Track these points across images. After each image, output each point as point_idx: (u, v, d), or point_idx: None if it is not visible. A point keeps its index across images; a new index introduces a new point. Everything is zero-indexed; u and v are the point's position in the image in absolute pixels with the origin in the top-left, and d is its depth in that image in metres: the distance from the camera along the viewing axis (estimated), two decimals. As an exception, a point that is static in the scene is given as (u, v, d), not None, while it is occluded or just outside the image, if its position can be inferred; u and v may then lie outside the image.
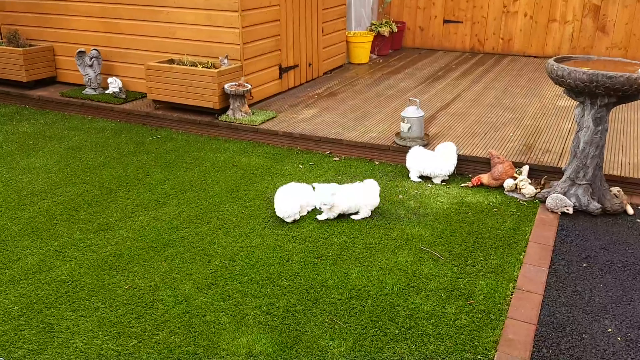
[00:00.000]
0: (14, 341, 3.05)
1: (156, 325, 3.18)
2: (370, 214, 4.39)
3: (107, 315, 3.26)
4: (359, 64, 8.96)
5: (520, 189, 4.68)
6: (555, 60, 4.35)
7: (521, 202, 4.60)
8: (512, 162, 4.93)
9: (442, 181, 4.95)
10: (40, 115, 6.96)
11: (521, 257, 3.82)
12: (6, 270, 3.70)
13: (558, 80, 4.22)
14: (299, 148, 5.85)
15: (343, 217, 4.38)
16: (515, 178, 4.78)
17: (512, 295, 3.42)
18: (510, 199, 4.65)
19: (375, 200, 4.38)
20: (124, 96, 6.93)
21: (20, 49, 7.22)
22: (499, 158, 4.84)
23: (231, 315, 3.26)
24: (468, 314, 3.24)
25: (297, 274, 3.66)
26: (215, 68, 6.27)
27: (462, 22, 9.69)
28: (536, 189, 4.69)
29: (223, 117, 6.18)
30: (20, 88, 7.46)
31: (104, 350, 3.00)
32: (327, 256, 3.86)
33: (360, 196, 4.34)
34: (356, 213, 4.39)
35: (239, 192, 4.83)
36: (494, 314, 3.24)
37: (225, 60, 6.25)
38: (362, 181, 4.46)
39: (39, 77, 7.48)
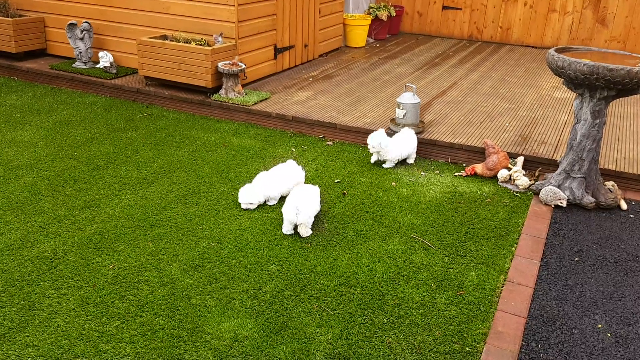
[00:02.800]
0: (-7, 318, 2.98)
1: (140, 307, 3.11)
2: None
3: (90, 295, 3.19)
4: (355, 48, 8.84)
5: (514, 180, 4.63)
6: (556, 51, 4.28)
7: (515, 193, 4.55)
8: (507, 153, 4.88)
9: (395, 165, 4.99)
10: (28, 88, 6.81)
11: (513, 249, 3.78)
12: (-12, 245, 3.61)
13: (558, 71, 4.15)
14: (292, 131, 5.76)
15: (333, 202, 4.31)
16: (509, 169, 4.73)
17: (502, 287, 3.38)
18: (504, 190, 4.60)
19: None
20: (114, 71, 6.79)
21: (10, 19, 7.04)
22: (493, 148, 4.78)
23: (217, 298, 3.20)
24: (458, 305, 3.20)
25: (285, 258, 3.60)
26: (209, 46, 6.14)
27: (461, 9, 9.58)
28: (530, 180, 4.64)
29: (215, 97, 6.07)
30: (8, 59, 7.29)
31: (86, 330, 2.93)
32: (316, 242, 3.79)
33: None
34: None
35: (230, 173, 4.75)
36: (483, 306, 3.20)
37: (220, 38, 6.13)
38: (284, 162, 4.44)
39: (29, 48, 7.31)
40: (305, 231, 3.81)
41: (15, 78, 7.16)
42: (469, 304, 3.21)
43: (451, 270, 3.52)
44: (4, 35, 7.10)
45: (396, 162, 4.95)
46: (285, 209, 3.80)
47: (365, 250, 3.71)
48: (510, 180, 4.68)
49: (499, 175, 4.69)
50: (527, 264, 3.61)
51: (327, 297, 3.24)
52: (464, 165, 5.06)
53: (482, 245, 3.81)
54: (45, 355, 2.76)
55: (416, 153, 5.17)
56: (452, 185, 4.66)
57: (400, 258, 3.63)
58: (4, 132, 5.45)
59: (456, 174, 4.86)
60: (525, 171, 4.79)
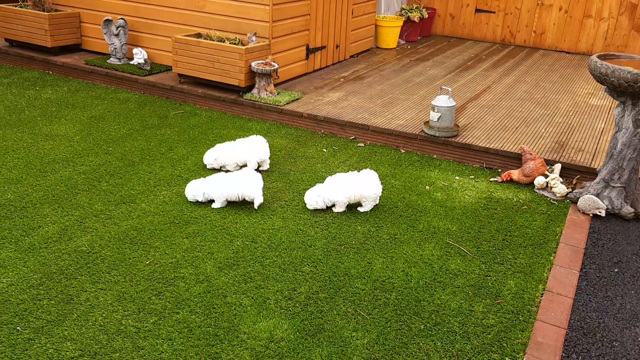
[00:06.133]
0: (32, 311, 3.01)
1: (177, 304, 3.12)
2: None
3: (127, 290, 3.21)
4: (386, 49, 8.79)
5: (551, 187, 4.55)
6: (598, 58, 4.19)
7: (552, 201, 4.47)
8: (544, 160, 4.80)
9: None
10: (63, 82, 6.90)
11: (551, 258, 3.71)
12: (26, 238, 3.65)
13: (600, 78, 4.07)
14: (323, 131, 5.75)
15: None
16: (546, 176, 4.65)
17: (541, 297, 3.31)
18: (541, 197, 4.52)
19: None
20: (148, 68, 6.85)
21: (46, 13, 7.13)
22: (530, 154, 4.71)
23: (252, 298, 3.20)
24: (496, 314, 3.15)
25: (319, 260, 3.58)
26: (243, 45, 6.15)
27: (494, 12, 9.47)
28: (568, 188, 4.56)
29: (248, 96, 6.08)
30: (44, 53, 7.39)
31: (123, 325, 2.94)
32: (350, 244, 3.77)
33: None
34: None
35: (262, 172, 4.74)
36: (522, 315, 3.15)
37: (254, 38, 6.14)
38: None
39: (64, 43, 7.41)
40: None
41: (50, 72, 7.26)
42: (507, 313, 3.16)
43: (488, 278, 3.47)
44: (39, 29, 7.20)
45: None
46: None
47: (400, 254, 3.67)
48: (547, 187, 4.60)
49: (535, 182, 4.62)
50: (566, 273, 3.54)
51: (362, 301, 3.21)
52: (500, 170, 4.99)
53: (520, 253, 3.75)
54: (84, 350, 2.78)
55: (451, 156, 5.12)
56: (488, 190, 4.60)
57: (436, 264, 3.58)
58: (40, 125, 5.52)
59: (491, 179, 4.80)
60: (563, 179, 4.71)
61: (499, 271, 3.54)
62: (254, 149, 4.68)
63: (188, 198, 4.20)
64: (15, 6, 7.49)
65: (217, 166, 4.75)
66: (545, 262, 3.65)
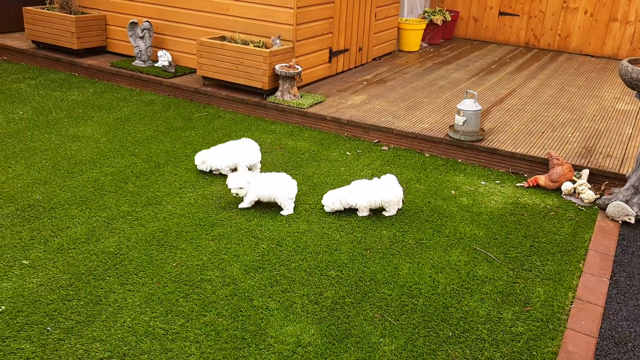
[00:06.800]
0: (62, 311, 3.04)
1: (204, 306, 3.13)
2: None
3: (154, 292, 3.23)
4: (408, 52, 8.76)
5: (579, 193, 4.49)
6: (629, 62, 4.13)
7: (579, 207, 4.41)
8: (572, 165, 4.74)
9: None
10: (89, 84, 6.98)
11: (580, 265, 3.65)
12: (55, 239, 3.69)
13: (632, 83, 4.01)
14: (346, 134, 5.74)
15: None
16: (574, 182, 4.59)
17: (571, 305, 3.27)
18: (568, 203, 4.46)
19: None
20: (173, 70, 6.90)
21: (72, 15, 7.23)
22: (558, 159, 4.65)
23: (279, 301, 3.19)
24: (525, 321, 3.11)
25: (345, 264, 3.57)
26: (267, 48, 6.17)
27: (518, 16, 9.39)
28: (596, 194, 4.49)
29: (271, 98, 6.10)
30: (70, 55, 7.49)
31: (151, 327, 2.96)
32: (376, 249, 3.75)
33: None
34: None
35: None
36: (552, 324, 3.10)
37: (278, 41, 6.15)
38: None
39: (90, 45, 7.50)
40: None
41: (76, 74, 7.34)
42: (536, 321, 3.11)
43: (516, 284, 3.43)
44: (66, 31, 7.30)
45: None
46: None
47: (427, 260, 3.65)
48: (574, 193, 4.54)
49: (563, 188, 4.56)
50: (595, 281, 3.48)
51: (389, 307, 3.19)
52: (526, 175, 4.94)
53: (548, 260, 3.70)
54: (113, 351, 2.80)
55: (476, 161, 5.09)
56: (514, 196, 4.55)
57: (463, 270, 3.55)
58: (67, 126, 5.59)
59: (518, 184, 4.75)
60: (591, 185, 4.64)
61: (527, 278, 3.50)
62: (244, 152, 4.62)
63: (229, 186, 4.11)
64: (43, 9, 7.60)
65: (205, 169, 4.70)
66: (574, 270, 3.60)
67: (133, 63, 7.14)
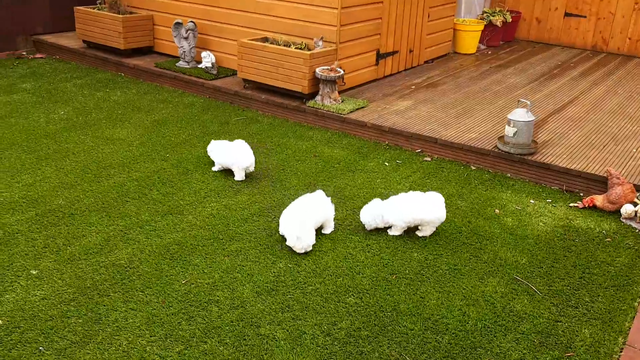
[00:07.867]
0: (58, 329, 2.89)
1: (206, 331, 2.91)
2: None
3: (158, 312, 3.03)
4: (464, 54, 8.29)
5: (641, 217, 4.00)
6: None
7: (641, 233, 3.92)
8: (634, 185, 4.23)
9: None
10: (133, 85, 6.95)
11: (635, 303, 3.20)
12: (68, 248, 3.57)
13: None
14: (387, 142, 5.40)
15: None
16: (636, 204, 4.09)
17: (621, 352, 2.84)
18: (628, 229, 3.97)
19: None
20: (215, 72, 6.76)
21: (120, 15, 7.22)
22: (618, 178, 4.16)
23: (287, 330, 2.93)
24: (565, 370, 2.71)
25: (366, 290, 3.26)
26: (309, 49, 5.92)
27: (585, 17, 8.72)
28: (661, 220, 3.98)
29: (311, 103, 5.84)
30: (117, 55, 7.49)
31: (147, 353, 2.76)
32: (403, 274, 3.42)
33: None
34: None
35: (317, 187, 4.48)
36: (597, 375, 2.70)
37: (320, 42, 5.88)
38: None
39: (137, 45, 7.48)
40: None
41: (122, 74, 7.34)
42: (578, 371, 2.71)
43: (559, 323, 3.02)
44: (113, 31, 7.30)
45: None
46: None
47: (459, 289, 3.28)
48: (635, 217, 4.04)
49: (622, 211, 4.07)
50: (654, 325, 3.03)
51: (410, 344, 2.86)
52: (582, 195, 4.46)
53: (599, 295, 3.26)
54: (104, 377, 2.62)
55: (526, 176, 4.65)
56: (566, 217, 4.10)
57: (498, 303, 3.17)
58: (104, 128, 5.53)
59: (571, 204, 4.28)
60: (656, 208, 4.13)
61: (572, 316, 3.08)
62: (235, 156, 4.50)
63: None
64: (94, 8, 7.65)
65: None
66: (628, 309, 3.14)
67: (177, 64, 7.06)
